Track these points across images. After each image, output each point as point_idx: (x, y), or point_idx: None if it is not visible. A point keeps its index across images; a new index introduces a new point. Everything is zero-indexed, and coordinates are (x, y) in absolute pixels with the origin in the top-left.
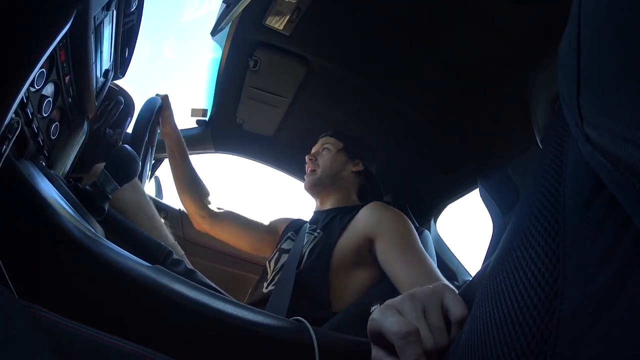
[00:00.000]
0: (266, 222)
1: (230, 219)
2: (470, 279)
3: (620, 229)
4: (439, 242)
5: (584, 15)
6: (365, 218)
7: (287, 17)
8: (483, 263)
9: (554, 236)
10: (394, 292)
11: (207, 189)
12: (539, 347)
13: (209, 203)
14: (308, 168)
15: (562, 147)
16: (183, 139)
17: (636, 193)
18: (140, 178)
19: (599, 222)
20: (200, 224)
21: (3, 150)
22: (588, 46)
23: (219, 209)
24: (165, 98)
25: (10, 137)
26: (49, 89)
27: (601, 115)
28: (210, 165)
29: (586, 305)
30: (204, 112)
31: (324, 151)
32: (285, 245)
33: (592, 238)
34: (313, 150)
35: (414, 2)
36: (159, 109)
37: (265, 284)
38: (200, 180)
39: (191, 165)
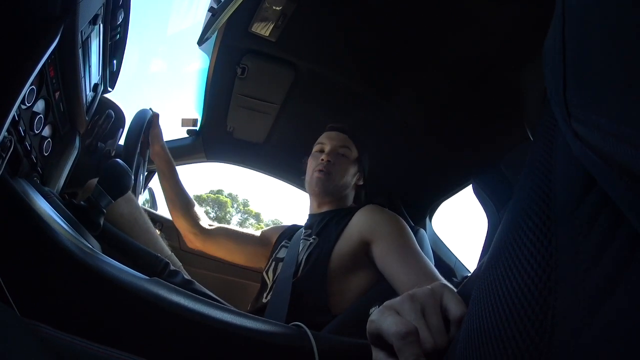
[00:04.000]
0: (258, 234)
1: (222, 234)
2: (469, 274)
3: (612, 225)
4: (435, 240)
5: (568, 9)
6: (361, 221)
7: (273, 23)
8: (479, 259)
9: (546, 232)
10: (392, 293)
11: (195, 204)
12: (534, 345)
13: (200, 220)
14: (321, 170)
15: (551, 142)
16: (172, 159)
17: (627, 188)
18: (134, 191)
19: (590, 218)
20: (193, 241)
21: None
22: (573, 41)
23: (210, 225)
24: (155, 116)
25: (4, 155)
26: (39, 106)
27: (589, 111)
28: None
29: (580, 303)
30: (194, 122)
31: (342, 158)
32: (280, 254)
33: (584, 234)
34: (330, 148)
35: (401, 4)
36: (149, 122)
37: (264, 294)
38: (190, 198)
39: (181, 184)
